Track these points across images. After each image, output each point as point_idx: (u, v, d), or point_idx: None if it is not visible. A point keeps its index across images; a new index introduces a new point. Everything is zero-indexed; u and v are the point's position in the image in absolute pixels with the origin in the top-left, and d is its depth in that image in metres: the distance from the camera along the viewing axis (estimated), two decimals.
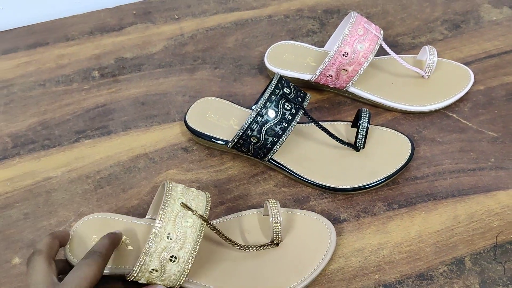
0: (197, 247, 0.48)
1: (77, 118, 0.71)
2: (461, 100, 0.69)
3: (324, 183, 0.59)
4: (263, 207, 0.57)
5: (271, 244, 0.53)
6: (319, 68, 0.67)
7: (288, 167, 0.61)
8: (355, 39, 0.65)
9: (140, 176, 0.64)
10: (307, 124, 0.65)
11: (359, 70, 0.66)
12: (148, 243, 0.46)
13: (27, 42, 0.83)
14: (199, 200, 0.51)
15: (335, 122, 0.65)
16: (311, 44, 0.76)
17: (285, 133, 0.57)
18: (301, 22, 0.83)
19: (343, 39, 0.65)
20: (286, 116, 0.57)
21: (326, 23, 0.83)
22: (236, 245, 0.52)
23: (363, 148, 0.61)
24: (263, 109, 0.57)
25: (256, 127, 0.57)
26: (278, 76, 0.60)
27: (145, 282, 0.49)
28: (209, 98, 0.68)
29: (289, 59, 0.73)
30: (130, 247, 0.53)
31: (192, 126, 0.65)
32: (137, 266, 0.47)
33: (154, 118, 0.71)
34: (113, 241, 0.50)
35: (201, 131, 0.64)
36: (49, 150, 0.67)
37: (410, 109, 0.67)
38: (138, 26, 0.85)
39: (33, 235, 0.58)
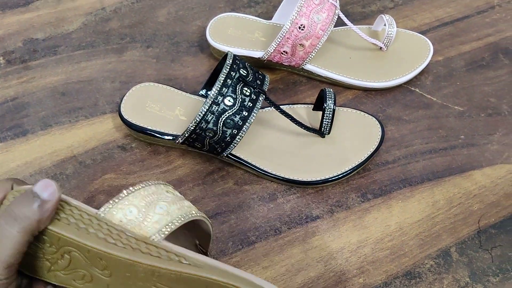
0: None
1: None
2: (421, 73, 0.64)
3: (290, 177, 0.52)
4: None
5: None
6: (273, 44, 0.58)
7: (249, 161, 0.53)
8: (312, 9, 0.57)
9: (69, 185, 0.52)
10: (264, 110, 0.57)
11: (317, 45, 0.59)
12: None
13: None
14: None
15: (295, 106, 0.58)
16: (256, 16, 0.67)
17: (246, 123, 0.49)
18: None
19: (299, 10, 0.57)
20: (246, 103, 0.49)
21: None
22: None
23: (328, 133, 0.54)
24: (219, 96, 0.48)
25: (212, 118, 0.48)
26: (232, 56, 0.51)
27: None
28: (147, 84, 0.57)
29: (235, 34, 0.64)
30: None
31: (129, 120, 0.54)
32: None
33: (79, 111, 0.59)
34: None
35: (141, 125, 0.54)
36: None
37: (371, 85, 0.61)
38: (48, 0, 0.71)
39: None
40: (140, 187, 0.38)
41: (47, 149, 0.55)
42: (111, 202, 0.36)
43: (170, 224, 0.36)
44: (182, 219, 0.37)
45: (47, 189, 0.34)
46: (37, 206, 0.33)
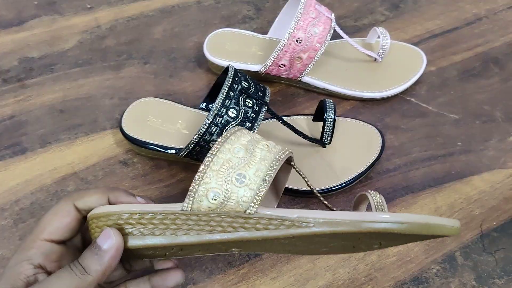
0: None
1: None
2: (416, 83, 0.65)
3: (294, 187, 0.52)
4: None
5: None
6: (271, 57, 0.59)
7: None
8: (308, 23, 0.59)
9: None
10: (265, 121, 0.57)
11: (315, 57, 0.60)
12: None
13: None
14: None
15: (295, 117, 0.59)
16: (251, 31, 0.68)
17: None
18: (234, 8, 0.75)
19: (296, 23, 0.58)
20: (249, 115, 0.49)
21: (262, 7, 0.76)
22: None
23: (329, 143, 0.55)
24: (222, 108, 0.48)
25: (216, 130, 0.48)
26: (234, 69, 0.51)
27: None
28: (147, 99, 0.57)
29: (232, 49, 0.64)
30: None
31: (131, 134, 0.54)
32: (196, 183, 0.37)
33: (79, 128, 0.59)
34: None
35: (143, 139, 0.54)
36: None
37: (368, 96, 0.62)
38: (42, 19, 0.71)
39: None
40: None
41: (47, 167, 0.55)
42: (189, 195, 0.36)
43: (259, 193, 0.36)
44: (271, 174, 0.37)
45: (106, 240, 0.35)
46: (98, 257, 0.35)
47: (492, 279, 0.48)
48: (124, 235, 0.36)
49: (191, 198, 0.36)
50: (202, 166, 0.36)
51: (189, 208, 0.36)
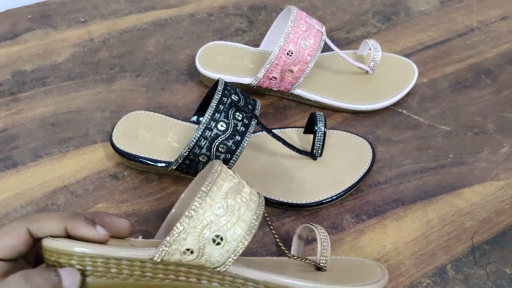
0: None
1: None
2: (408, 94, 0.65)
3: (284, 200, 0.52)
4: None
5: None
6: (262, 70, 0.59)
7: None
8: (299, 36, 0.59)
9: None
10: (256, 134, 0.57)
11: (305, 70, 0.60)
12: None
13: None
14: None
15: (285, 129, 0.59)
16: (243, 44, 0.69)
17: (240, 148, 0.49)
18: (227, 21, 0.75)
19: (287, 36, 0.58)
20: (238, 128, 0.49)
21: (255, 20, 0.76)
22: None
23: (320, 156, 0.55)
24: (212, 122, 0.48)
25: (205, 143, 0.48)
26: (223, 82, 0.51)
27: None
28: (138, 112, 0.57)
29: (224, 62, 0.64)
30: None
31: (121, 148, 0.54)
32: (169, 239, 0.35)
33: (70, 141, 0.59)
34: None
35: (134, 152, 0.54)
36: None
37: (360, 108, 0.62)
38: (36, 33, 0.72)
39: None
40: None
41: (37, 180, 0.55)
42: (162, 249, 0.35)
43: (233, 256, 0.36)
44: (248, 238, 0.36)
45: (70, 276, 0.34)
46: (52, 285, 0.33)
47: None
48: (85, 272, 0.35)
49: (163, 252, 0.35)
50: (181, 220, 0.35)
51: (159, 260, 0.35)
